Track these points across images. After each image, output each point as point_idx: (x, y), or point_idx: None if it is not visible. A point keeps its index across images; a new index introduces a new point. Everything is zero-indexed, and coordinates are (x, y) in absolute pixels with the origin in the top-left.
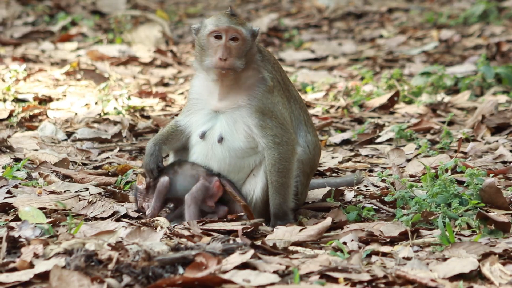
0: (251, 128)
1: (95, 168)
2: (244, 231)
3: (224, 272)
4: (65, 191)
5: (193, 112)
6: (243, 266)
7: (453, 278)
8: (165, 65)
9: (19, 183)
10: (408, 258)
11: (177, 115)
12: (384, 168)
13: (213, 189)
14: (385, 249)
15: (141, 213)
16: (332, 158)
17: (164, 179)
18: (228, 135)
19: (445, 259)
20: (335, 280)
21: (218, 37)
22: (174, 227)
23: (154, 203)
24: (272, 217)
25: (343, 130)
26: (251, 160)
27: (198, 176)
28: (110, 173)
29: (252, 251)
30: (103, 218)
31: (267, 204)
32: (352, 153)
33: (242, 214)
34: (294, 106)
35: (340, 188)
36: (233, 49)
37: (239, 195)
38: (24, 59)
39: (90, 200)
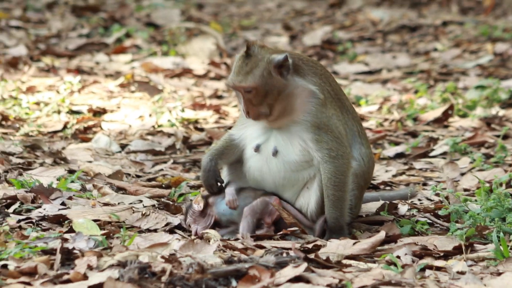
0: (306, 142)
1: (149, 180)
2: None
3: (278, 285)
4: (119, 203)
5: (247, 126)
6: (296, 279)
7: None
8: (219, 78)
9: (73, 195)
10: (462, 273)
11: (230, 127)
12: (438, 182)
13: (272, 207)
14: (439, 263)
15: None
16: (386, 171)
17: (230, 189)
18: (283, 149)
19: (499, 274)
20: None
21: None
22: (227, 240)
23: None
24: (327, 231)
25: (397, 144)
26: (305, 173)
27: (256, 196)
28: (163, 185)
29: (305, 264)
30: (156, 230)
31: (320, 217)
32: (406, 167)
33: (295, 229)
34: (347, 117)
35: (393, 201)
36: (252, 99)
37: (294, 216)
38: (78, 71)
39: (143, 212)
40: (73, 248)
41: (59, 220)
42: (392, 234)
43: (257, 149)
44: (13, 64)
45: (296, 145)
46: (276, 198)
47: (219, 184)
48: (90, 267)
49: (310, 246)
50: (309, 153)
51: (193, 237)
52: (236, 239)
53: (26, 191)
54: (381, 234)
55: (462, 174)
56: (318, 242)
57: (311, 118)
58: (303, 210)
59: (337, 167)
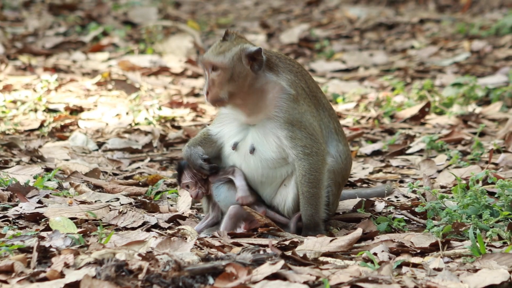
0: (281, 139)
1: (126, 178)
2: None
3: (254, 282)
4: (95, 201)
5: (225, 124)
6: (274, 276)
7: None
8: (196, 76)
9: (50, 193)
10: (439, 269)
11: (208, 125)
12: (415, 179)
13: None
14: (416, 260)
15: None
16: (363, 168)
17: (236, 209)
18: (260, 146)
19: (476, 270)
20: None
21: (205, 69)
22: (204, 237)
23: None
24: (303, 228)
25: (373, 141)
26: (283, 170)
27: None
28: (140, 183)
29: (282, 262)
30: (133, 228)
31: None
32: (383, 164)
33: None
34: (323, 114)
35: (370, 199)
36: (215, 80)
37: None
38: (55, 69)
39: (120, 210)
40: (50, 246)
41: (35, 218)
42: (369, 231)
43: (235, 147)
44: None
45: (272, 142)
46: (264, 211)
47: (206, 163)
48: (67, 265)
49: (287, 243)
50: (284, 150)
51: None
52: (213, 237)
53: (3, 189)
54: (358, 231)
55: (439, 171)
56: (295, 239)
57: (283, 114)
58: (280, 207)
59: (312, 164)
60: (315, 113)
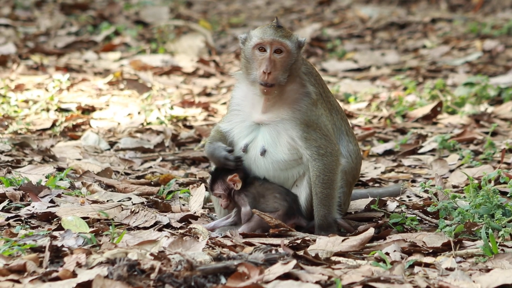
0: (295, 140)
1: (138, 177)
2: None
3: (267, 282)
4: (107, 201)
5: (234, 124)
6: (286, 276)
7: None
8: (207, 75)
9: (62, 193)
10: (451, 269)
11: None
12: (427, 178)
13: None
14: (428, 259)
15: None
16: (375, 168)
17: (246, 209)
18: (271, 148)
19: (488, 270)
20: None
21: (262, 49)
22: (216, 237)
23: (245, 226)
24: (316, 228)
25: (385, 141)
26: (295, 171)
27: (277, 210)
28: (152, 182)
29: (294, 261)
30: (145, 228)
31: (311, 214)
32: (395, 164)
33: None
34: (336, 117)
35: (382, 198)
36: (277, 62)
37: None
38: (67, 69)
39: (132, 210)
40: (62, 246)
41: (48, 217)
42: (381, 230)
43: (245, 149)
44: (2, 62)
45: (284, 143)
46: (293, 224)
47: (232, 153)
48: (79, 265)
49: (298, 242)
50: (298, 151)
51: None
52: (225, 236)
53: (15, 189)
54: (370, 231)
55: (451, 171)
56: (307, 239)
57: (300, 115)
58: None
59: (326, 165)
60: (329, 116)
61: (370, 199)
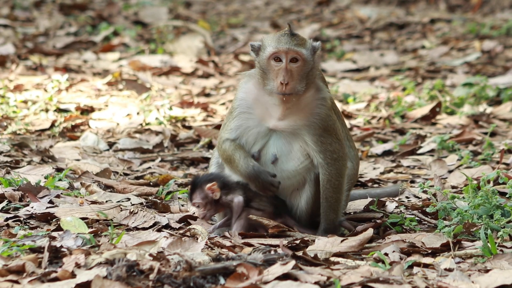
0: (308, 143)
1: (137, 178)
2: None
3: (266, 282)
4: (106, 201)
5: (243, 130)
6: (284, 277)
7: None
8: (206, 76)
9: (61, 193)
10: (450, 270)
11: (218, 126)
12: (426, 179)
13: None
14: (427, 260)
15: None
16: (374, 169)
17: (239, 199)
18: (283, 156)
19: (487, 271)
20: None
21: (278, 59)
22: (215, 237)
23: (236, 224)
24: (321, 231)
25: (384, 141)
26: (299, 178)
27: (263, 210)
28: (151, 183)
29: (293, 262)
30: (144, 228)
31: (311, 216)
32: (394, 164)
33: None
34: (339, 122)
35: (381, 199)
36: (294, 71)
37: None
38: (66, 69)
39: (131, 210)
40: (61, 246)
41: (46, 218)
42: (380, 231)
43: (258, 156)
44: (1, 62)
45: (297, 148)
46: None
47: (276, 178)
48: (78, 265)
49: (297, 243)
50: (309, 156)
51: (199, 218)
52: (224, 237)
53: (14, 189)
54: (369, 232)
55: (450, 172)
56: (306, 239)
57: (319, 121)
58: (293, 209)
59: (338, 169)
60: (337, 120)
61: (369, 199)
